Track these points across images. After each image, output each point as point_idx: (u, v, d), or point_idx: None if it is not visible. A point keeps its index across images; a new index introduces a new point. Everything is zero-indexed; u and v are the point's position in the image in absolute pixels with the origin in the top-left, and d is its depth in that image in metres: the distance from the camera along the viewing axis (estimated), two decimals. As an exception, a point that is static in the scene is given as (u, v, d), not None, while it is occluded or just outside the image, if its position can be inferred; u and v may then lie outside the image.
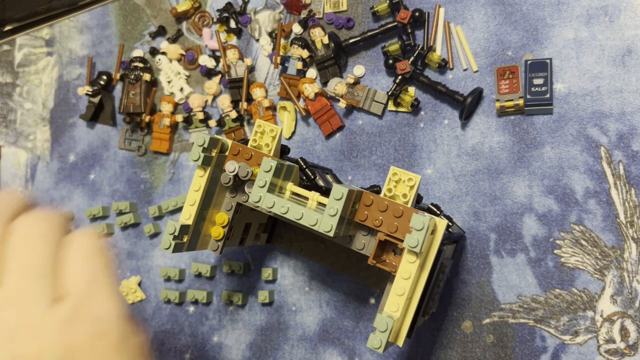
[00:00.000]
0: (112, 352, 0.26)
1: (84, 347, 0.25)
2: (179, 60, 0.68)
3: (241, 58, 0.64)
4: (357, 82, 0.58)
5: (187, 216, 0.47)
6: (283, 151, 0.51)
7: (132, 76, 0.67)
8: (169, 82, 0.67)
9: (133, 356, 0.26)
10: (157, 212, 0.66)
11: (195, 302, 0.64)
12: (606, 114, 0.51)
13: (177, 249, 0.46)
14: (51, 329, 0.25)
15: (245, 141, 0.53)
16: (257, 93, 0.62)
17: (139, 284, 0.66)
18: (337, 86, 0.58)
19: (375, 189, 0.55)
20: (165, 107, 0.66)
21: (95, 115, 0.70)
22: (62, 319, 0.25)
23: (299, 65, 0.61)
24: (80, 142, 0.71)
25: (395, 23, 0.57)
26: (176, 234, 0.45)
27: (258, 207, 0.46)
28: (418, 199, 0.53)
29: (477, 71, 0.55)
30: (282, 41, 0.63)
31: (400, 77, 0.56)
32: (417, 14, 0.56)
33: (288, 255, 0.61)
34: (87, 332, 0.25)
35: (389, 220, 0.41)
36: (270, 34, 0.63)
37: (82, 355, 0.25)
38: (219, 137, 0.47)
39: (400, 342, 0.41)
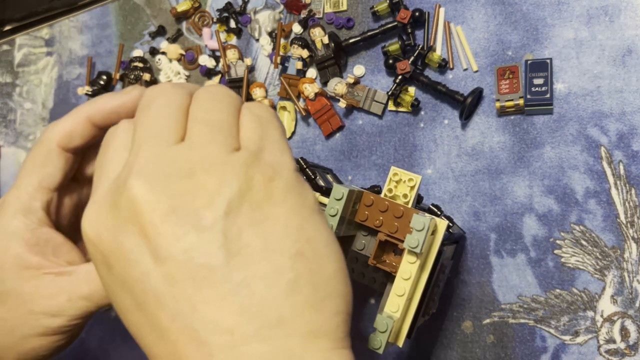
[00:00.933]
0: (283, 192, 0.29)
1: (259, 183, 0.28)
2: (178, 60, 0.68)
3: (241, 58, 0.64)
4: (357, 82, 0.58)
5: None
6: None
7: (132, 76, 0.67)
8: (169, 82, 0.67)
9: (305, 199, 0.30)
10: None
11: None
12: (606, 114, 0.51)
13: None
14: (232, 167, 0.28)
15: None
16: (257, 93, 0.62)
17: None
18: (337, 86, 0.58)
19: (376, 189, 0.55)
20: None
21: (95, 115, 0.70)
22: (241, 162, 0.28)
23: (299, 65, 0.61)
24: (80, 142, 0.71)
25: (395, 23, 0.57)
26: None
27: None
28: (419, 199, 0.53)
29: (477, 71, 0.55)
30: (282, 41, 0.63)
31: (400, 77, 0.56)
32: (417, 14, 0.56)
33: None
34: (263, 173, 0.28)
35: (389, 220, 0.41)
36: (270, 34, 0.63)
37: (257, 188, 0.28)
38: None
39: (400, 343, 0.41)
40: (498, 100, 0.53)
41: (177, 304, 0.26)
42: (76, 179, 0.42)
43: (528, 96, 0.52)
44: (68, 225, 0.42)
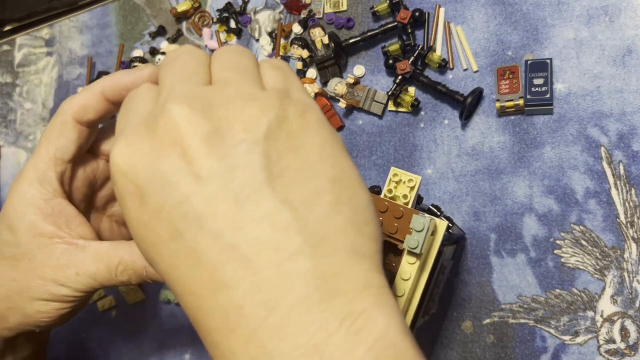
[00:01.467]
0: (316, 125, 0.30)
1: (294, 114, 0.29)
2: (178, 60, 0.68)
3: (241, 58, 0.64)
4: (357, 82, 0.58)
5: None
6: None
7: (132, 76, 0.67)
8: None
9: (335, 135, 0.30)
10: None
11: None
12: (606, 114, 0.51)
13: None
14: (268, 98, 0.29)
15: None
16: (257, 93, 0.62)
17: (140, 286, 0.66)
18: (337, 86, 0.58)
19: (376, 190, 0.55)
20: None
21: (95, 115, 0.70)
22: (275, 96, 0.29)
23: (299, 65, 0.61)
24: (80, 142, 0.71)
25: (395, 23, 0.57)
26: None
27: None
28: (418, 199, 0.53)
29: (477, 71, 0.55)
30: (282, 41, 0.63)
31: (400, 77, 0.56)
32: (417, 14, 0.56)
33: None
34: (295, 106, 0.29)
35: (389, 221, 0.41)
36: (270, 34, 0.63)
37: (292, 118, 0.29)
38: None
39: (401, 343, 0.41)
40: (498, 100, 0.53)
41: (219, 224, 0.26)
42: (92, 152, 0.44)
43: (528, 96, 0.52)
44: (81, 199, 0.43)
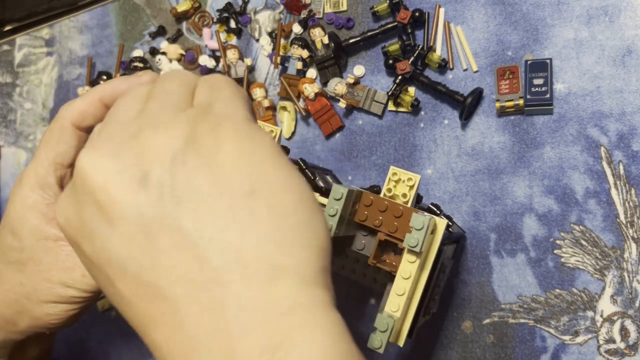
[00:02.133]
0: (231, 136, 0.28)
1: (205, 131, 0.28)
2: (179, 61, 0.68)
3: (241, 58, 0.64)
4: (357, 82, 0.58)
5: None
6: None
7: (132, 76, 0.67)
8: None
9: (257, 141, 0.29)
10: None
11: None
12: (606, 114, 0.51)
13: None
14: (178, 122, 0.28)
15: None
16: (257, 93, 0.62)
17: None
18: (337, 86, 0.58)
19: (375, 189, 0.55)
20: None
21: (95, 115, 0.70)
22: (188, 117, 0.29)
23: (299, 65, 0.61)
24: (80, 142, 0.71)
25: (395, 23, 0.57)
26: None
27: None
28: (418, 199, 0.53)
29: (477, 71, 0.55)
30: (282, 41, 0.63)
31: (400, 77, 0.56)
32: (417, 14, 0.56)
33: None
34: (209, 122, 0.29)
35: (388, 220, 0.41)
36: (270, 34, 0.63)
37: (203, 136, 0.28)
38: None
39: (401, 342, 0.41)
40: (498, 100, 0.53)
41: (136, 264, 0.26)
42: None
43: (528, 96, 0.52)
44: None
